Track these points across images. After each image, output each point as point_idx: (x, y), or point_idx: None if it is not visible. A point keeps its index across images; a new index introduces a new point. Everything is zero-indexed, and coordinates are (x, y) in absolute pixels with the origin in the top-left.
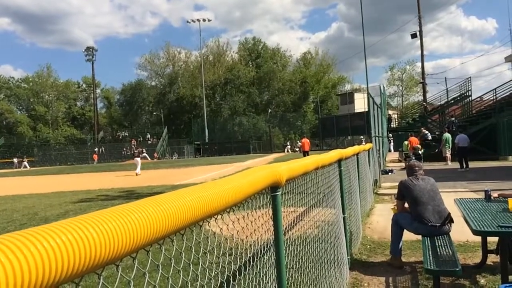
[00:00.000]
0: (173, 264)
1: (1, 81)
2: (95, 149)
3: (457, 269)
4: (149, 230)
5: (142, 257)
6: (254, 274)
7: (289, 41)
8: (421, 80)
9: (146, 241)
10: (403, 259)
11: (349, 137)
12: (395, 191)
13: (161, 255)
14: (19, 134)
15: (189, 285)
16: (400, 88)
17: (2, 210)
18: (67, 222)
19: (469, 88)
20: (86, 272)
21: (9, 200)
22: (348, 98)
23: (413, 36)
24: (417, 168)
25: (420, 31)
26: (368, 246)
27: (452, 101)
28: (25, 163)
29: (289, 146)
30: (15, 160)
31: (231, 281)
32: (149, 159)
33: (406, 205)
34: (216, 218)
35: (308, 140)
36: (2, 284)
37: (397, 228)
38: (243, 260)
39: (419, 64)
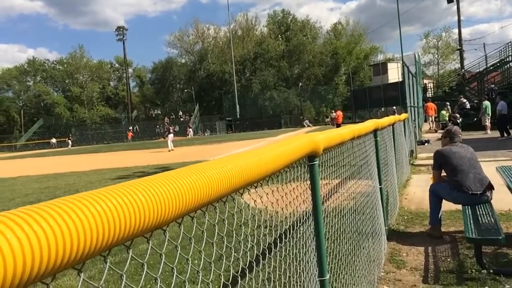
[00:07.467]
0: (205, 237)
1: (37, 64)
2: (129, 128)
3: (501, 237)
4: (194, 196)
5: (174, 233)
6: (294, 242)
7: (319, 12)
8: (458, 47)
9: (191, 206)
10: (442, 229)
11: (382, 109)
12: (432, 161)
13: (194, 228)
14: (57, 115)
15: (224, 259)
16: (436, 56)
17: (45, 188)
18: (116, 187)
19: (510, 54)
20: (135, 235)
21: (51, 178)
22: (381, 68)
23: (449, 1)
24: (458, 134)
25: None
26: (406, 217)
27: (491, 68)
28: (69, 142)
29: (307, 121)
30: (54, 140)
31: (267, 254)
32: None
33: (444, 173)
34: (256, 187)
35: (341, 112)
36: (66, 243)
37: (436, 198)
38: (278, 232)
39: (456, 30)
